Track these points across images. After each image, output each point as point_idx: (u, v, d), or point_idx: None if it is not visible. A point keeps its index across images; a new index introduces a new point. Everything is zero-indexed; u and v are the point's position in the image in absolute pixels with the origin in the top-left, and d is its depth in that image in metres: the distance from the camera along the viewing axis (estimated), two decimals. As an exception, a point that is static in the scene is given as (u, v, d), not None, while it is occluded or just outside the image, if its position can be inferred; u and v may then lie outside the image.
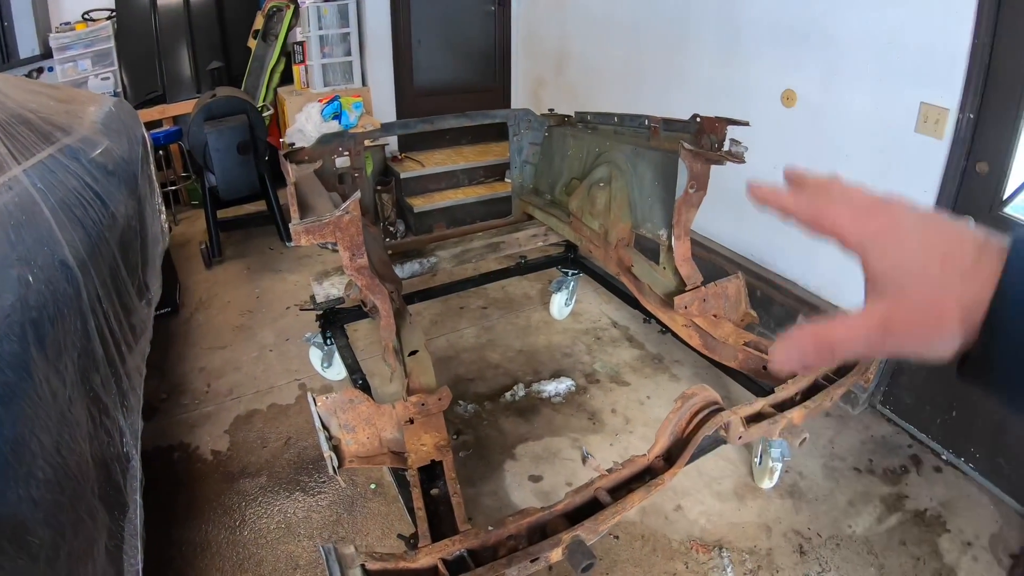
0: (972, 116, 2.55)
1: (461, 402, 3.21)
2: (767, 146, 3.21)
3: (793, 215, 0.50)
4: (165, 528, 2.47)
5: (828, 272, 3.29)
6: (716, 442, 2.04)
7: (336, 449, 1.96)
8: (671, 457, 1.86)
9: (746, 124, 2.35)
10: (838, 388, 2.23)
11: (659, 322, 2.84)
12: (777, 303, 3.47)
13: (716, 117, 2.43)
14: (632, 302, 3.33)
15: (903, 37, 2.68)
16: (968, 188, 2.65)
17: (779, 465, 2.65)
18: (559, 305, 3.97)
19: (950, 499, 2.72)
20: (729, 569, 2.38)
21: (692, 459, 1.88)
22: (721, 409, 1.91)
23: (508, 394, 3.29)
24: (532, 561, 1.51)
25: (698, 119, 2.50)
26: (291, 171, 2.46)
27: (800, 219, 0.50)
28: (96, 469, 1.60)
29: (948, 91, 2.58)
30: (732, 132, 2.39)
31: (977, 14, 2.43)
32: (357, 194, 2.10)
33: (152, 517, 2.02)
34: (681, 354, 3.59)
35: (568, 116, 3.38)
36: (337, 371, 3.31)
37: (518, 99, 5.68)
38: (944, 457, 2.92)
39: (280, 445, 2.94)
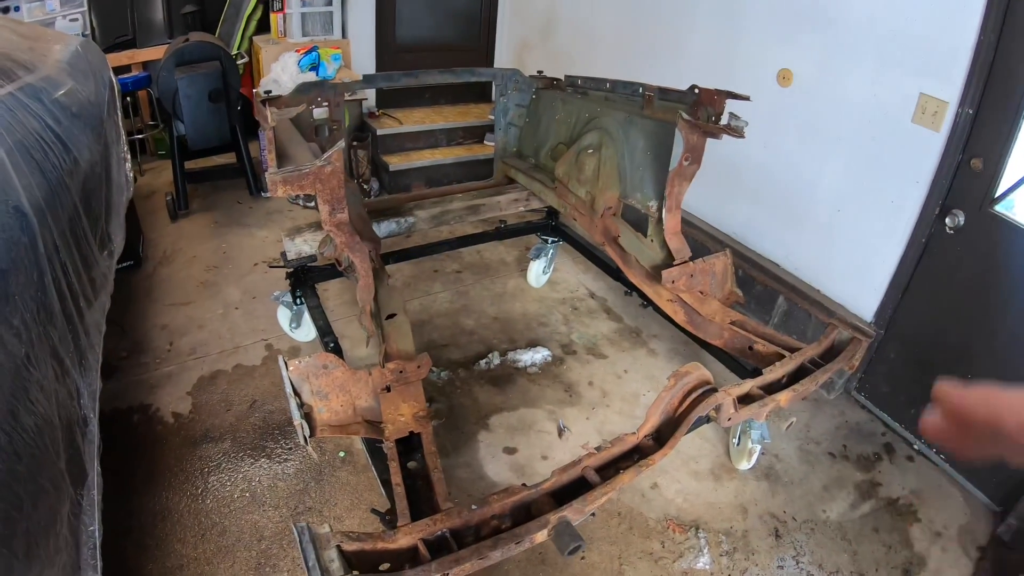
0: (971, 111, 2.51)
1: (434, 369, 3.11)
2: (760, 124, 3.11)
3: None
4: (123, 496, 2.35)
5: (808, 255, 3.25)
6: (701, 422, 1.98)
7: (308, 417, 1.85)
8: (660, 437, 1.80)
9: (747, 99, 2.25)
10: (824, 372, 2.19)
11: (641, 295, 2.77)
12: (758, 283, 3.42)
13: (716, 89, 2.33)
14: (612, 273, 3.27)
15: (908, 26, 2.61)
16: (960, 183, 2.61)
17: (758, 447, 2.61)
18: (537, 273, 3.88)
19: (921, 489, 2.72)
20: (705, 550, 2.34)
21: (679, 439, 1.82)
22: (715, 390, 1.84)
23: (483, 362, 3.21)
24: (517, 543, 1.44)
25: (696, 90, 2.41)
26: (270, 116, 2.31)
27: None
28: (55, 433, 1.48)
29: (949, 84, 2.53)
30: (730, 106, 2.30)
31: (985, 10, 2.38)
32: (341, 143, 1.97)
33: (109, 484, 1.90)
34: (659, 329, 3.53)
35: (557, 79, 3.25)
36: (306, 332, 3.19)
37: (502, 61, 5.51)
38: (916, 447, 2.92)
39: (245, 408, 2.82)
